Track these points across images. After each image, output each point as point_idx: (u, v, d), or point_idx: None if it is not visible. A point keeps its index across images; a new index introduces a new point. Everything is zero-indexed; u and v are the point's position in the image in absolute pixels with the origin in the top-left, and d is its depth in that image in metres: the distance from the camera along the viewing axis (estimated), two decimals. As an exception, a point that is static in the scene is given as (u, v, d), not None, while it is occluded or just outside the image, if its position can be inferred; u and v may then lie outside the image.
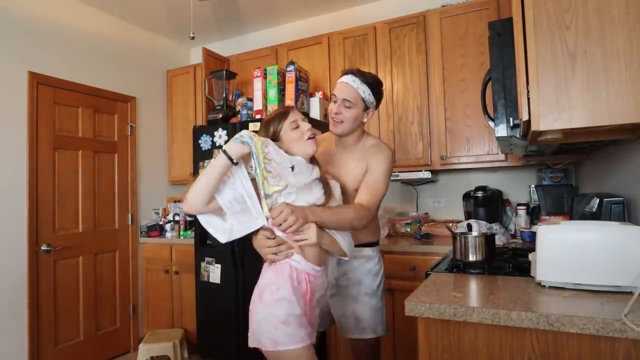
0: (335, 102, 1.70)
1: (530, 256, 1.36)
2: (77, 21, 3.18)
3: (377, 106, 1.76)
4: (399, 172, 2.81)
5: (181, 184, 3.89)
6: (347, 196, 1.70)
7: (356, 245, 1.74)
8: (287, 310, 1.38)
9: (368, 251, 1.81)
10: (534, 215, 2.61)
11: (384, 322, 1.81)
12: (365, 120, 1.73)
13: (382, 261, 1.87)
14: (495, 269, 1.56)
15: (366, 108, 1.71)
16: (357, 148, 1.76)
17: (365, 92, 1.67)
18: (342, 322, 1.79)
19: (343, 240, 1.51)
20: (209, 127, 2.96)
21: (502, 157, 2.58)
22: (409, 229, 2.87)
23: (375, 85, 1.71)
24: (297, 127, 1.45)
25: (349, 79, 1.68)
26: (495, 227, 2.46)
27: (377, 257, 1.84)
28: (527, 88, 1.21)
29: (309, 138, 1.44)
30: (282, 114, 1.48)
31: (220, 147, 2.82)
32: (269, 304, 1.39)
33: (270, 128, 1.46)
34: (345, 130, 1.70)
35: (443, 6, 2.79)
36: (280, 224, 1.33)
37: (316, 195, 1.45)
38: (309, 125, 1.46)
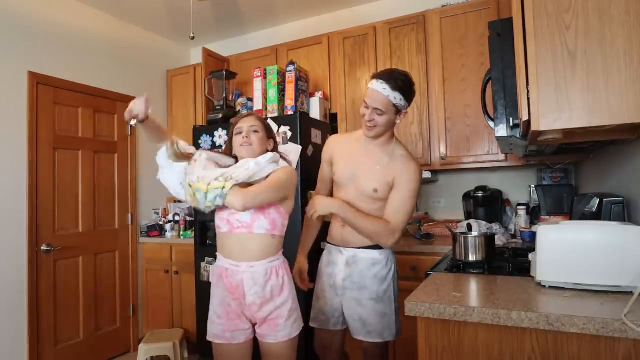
0: (367, 107, 1.68)
1: (530, 256, 1.36)
2: (77, 21, 3.18)
3: (409, 105, 1.72)
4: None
5: (181, 184, 3.88)
6: (363, 194, 1.75)
7: (361, 247, 1.78)
8: (210, 304, 1.67)
9: (374, 254, 1.78)
10: (534, 215, 2.61)
11: (392, 327, 1.78)
12: (398, 121, 1.73)
13: (392, 264, 1.83)
14: (495, 269, 1.56)
15: (398, 112, 1.69)
16: (386, 151, 1.77)
17: (397, 97, 1.63)
18: (349, 323, 1.81)
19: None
20: (209, 127, 2.96)
21: (502, 157, 2.58)
22: (409, 229, 2.87)
23: (407, 89, 1.66)
24: (240, 133, 1.66)
25: (379, 86, 1.63)
26: (495, 227, 2.46)
27: (386, 260, 1.79)
28: (527, 88, 1.21)
29: (241, 145, 1.65)
30: (238, 119, 1.71)
31: (220, 146, 2.83)
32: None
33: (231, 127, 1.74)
34: (379, 134, 1.73)
35: (443, 6, 2.79)
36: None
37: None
38: (245, 135, 1.65)
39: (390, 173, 1.73)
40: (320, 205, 1.72)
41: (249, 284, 1.58)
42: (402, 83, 1.64)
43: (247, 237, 1.59)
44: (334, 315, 1.84)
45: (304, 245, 1.99)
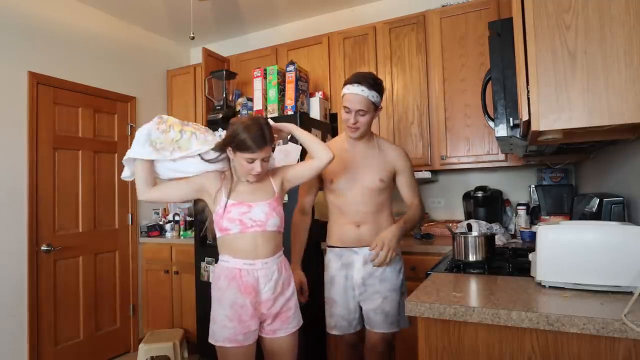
0: (348, 112, 1.80)
1: (530, 256, 1.36)
2: (77, 21, 3.18)
3: (382, 100, 1.87)
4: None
5: (181, 184, 3.88)
6: (369, 190, 1.87)
7: None
8: (215, 309, 1.61)
9: None
10: (534, 215, 2.61)
11: (405, 316, 1.86)
12: (377, 117, 1.90)
13: (401, 259, 1.96)
14: (495, 269, 1.56)
15: (376, 108, 1.83)
16: (373, 147, 1.91)
17: (374, 95, 1.78)
18: (371, 317, 1.86)
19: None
20: (209, 127, 2.96)
21: (502, 157, 2.58)
22: (409, 229, 2.86)
23: (379, 87, 1.82)
24: (252, 162, 1.56)
25: (357, 89, 1.76)
26: (495, 227, 2.46)
27: (398, 255, 1.92)
28: (527, 88, 1.21)
29: (251, 174, 1.58)
30: (247, 146, 1.52)
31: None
32: (212, 300, 1.65)
33: (238, 142, 1.54)
34: (364, 134, 1.86)
35: (443, 6, 2.79)
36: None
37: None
38: (259, 170, 1.56)
39: (389, 162, 1.90)
40: (390, 241, 1.74)
41: (264, 280, 1.60)
42: (373, 82, 1.79)
43: (261, 235, 1.61)
44: (355, 317, 1.90)
45: (299, 256, 1.97)
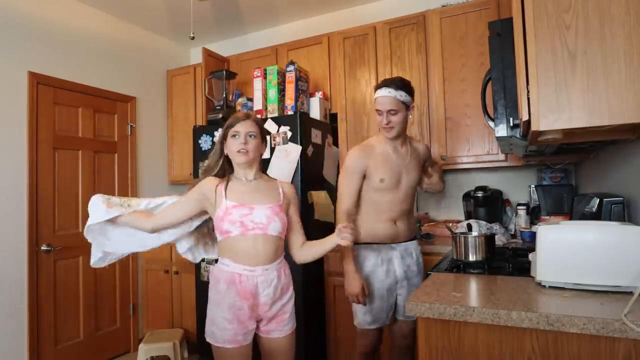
0: (380, 114, 1.91)
1: (530, 256, 1.36)
2: (77, 21, 3.18)
3: (413, 100, 1.96)
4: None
5: (181, 184, 3.89)
6: (409, 190, 2.00)
7: (409, 240, 2.03)
8: (213, 311, 1.61)
9: (415, 243, 2.07)
10: (534, 215, 2.61)
11: None
12: (410, 116, 1.98)
13: None
14: (495, 269, 1.57)
15: (407, 107, 1.93)
16: (407, 145, 2.03)
17: (402, 95, 1.88)
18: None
19: None
20: (209, 127, 2.96)
21: (502, 157, 2.58)
22: (409, 229, 2.86)
23: (407, 87, 1.92)
24: (236, 136, 1.63)
25: (385, 91, 1.88)
26: (495, 227, 2.46)
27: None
28: (527, 88, 1.21)
29: (238, 151, 1.62)
30: (231, 123, 1.65)
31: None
32: (209, 301, 1.64)
33: (225, 126, 1.68)
34: (400, 132, 1.94)
35: (443, 6, 2.79)
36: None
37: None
38: (242, 141, 1.61)
39: (421, 159, 2.08)
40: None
41: (263, 286, 1.59)
42: (400, 83, 1.90)
43: (262, 239, 1.60)
44: (391, 309, 1.97)
45: (352, 258, 1.88)
